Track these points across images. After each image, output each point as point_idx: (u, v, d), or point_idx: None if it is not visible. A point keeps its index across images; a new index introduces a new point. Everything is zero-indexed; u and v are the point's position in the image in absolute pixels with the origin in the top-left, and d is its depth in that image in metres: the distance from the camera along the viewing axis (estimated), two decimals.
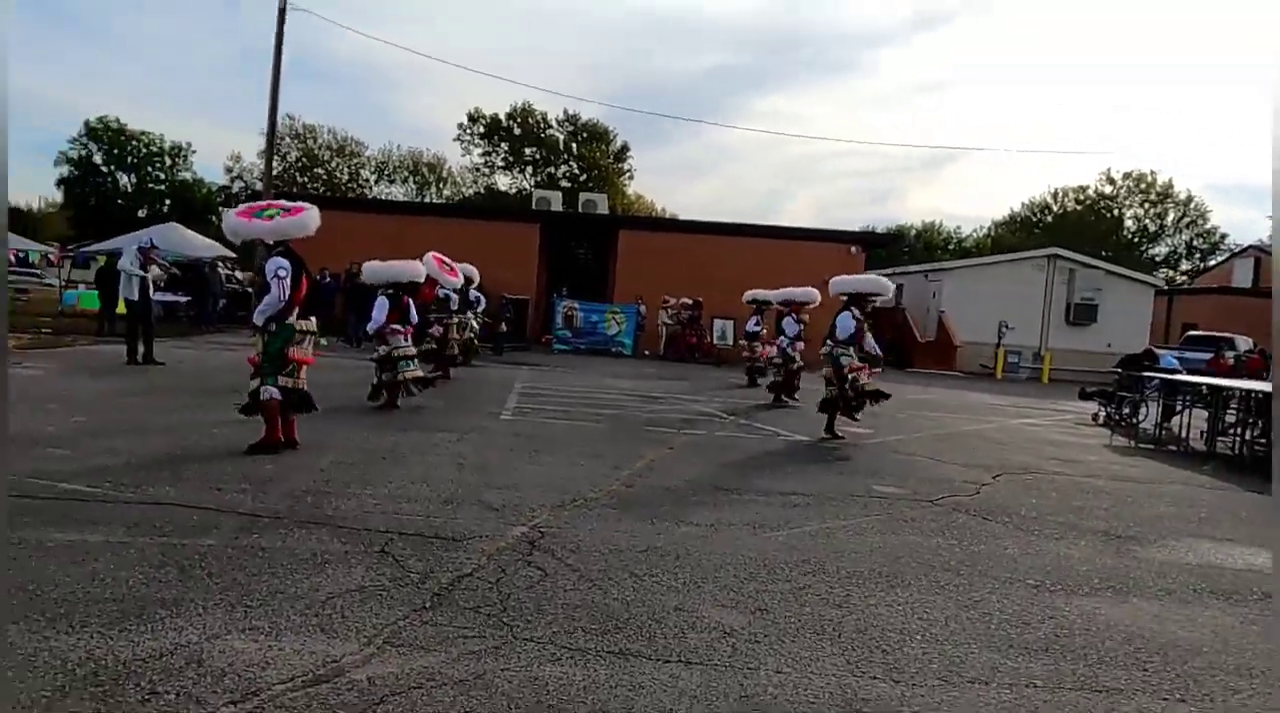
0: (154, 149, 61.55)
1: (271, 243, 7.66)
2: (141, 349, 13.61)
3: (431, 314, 14.06)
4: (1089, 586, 5.28)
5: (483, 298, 17.72)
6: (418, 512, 5.81)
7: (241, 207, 8.14)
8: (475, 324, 17.22)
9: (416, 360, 11.23)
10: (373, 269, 11.48)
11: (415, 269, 11.63)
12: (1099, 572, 5.59)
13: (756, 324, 18.01)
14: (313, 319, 7.85)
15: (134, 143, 60.71)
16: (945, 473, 8.86)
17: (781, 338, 15.23)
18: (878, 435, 11.28)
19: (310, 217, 7.71)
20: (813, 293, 15.38)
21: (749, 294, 18.31)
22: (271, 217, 7.64)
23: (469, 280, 16.48)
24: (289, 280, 7.43)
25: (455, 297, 14.98)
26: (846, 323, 10.72)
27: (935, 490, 7.86)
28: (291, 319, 7.53)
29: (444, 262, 13.52)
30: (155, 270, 14.19)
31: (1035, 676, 3.82)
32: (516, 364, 19.04)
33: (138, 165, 61.42)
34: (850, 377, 10.61)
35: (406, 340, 11.09)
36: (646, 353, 25.13)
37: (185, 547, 4.71)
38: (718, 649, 3.85)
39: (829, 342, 10.86)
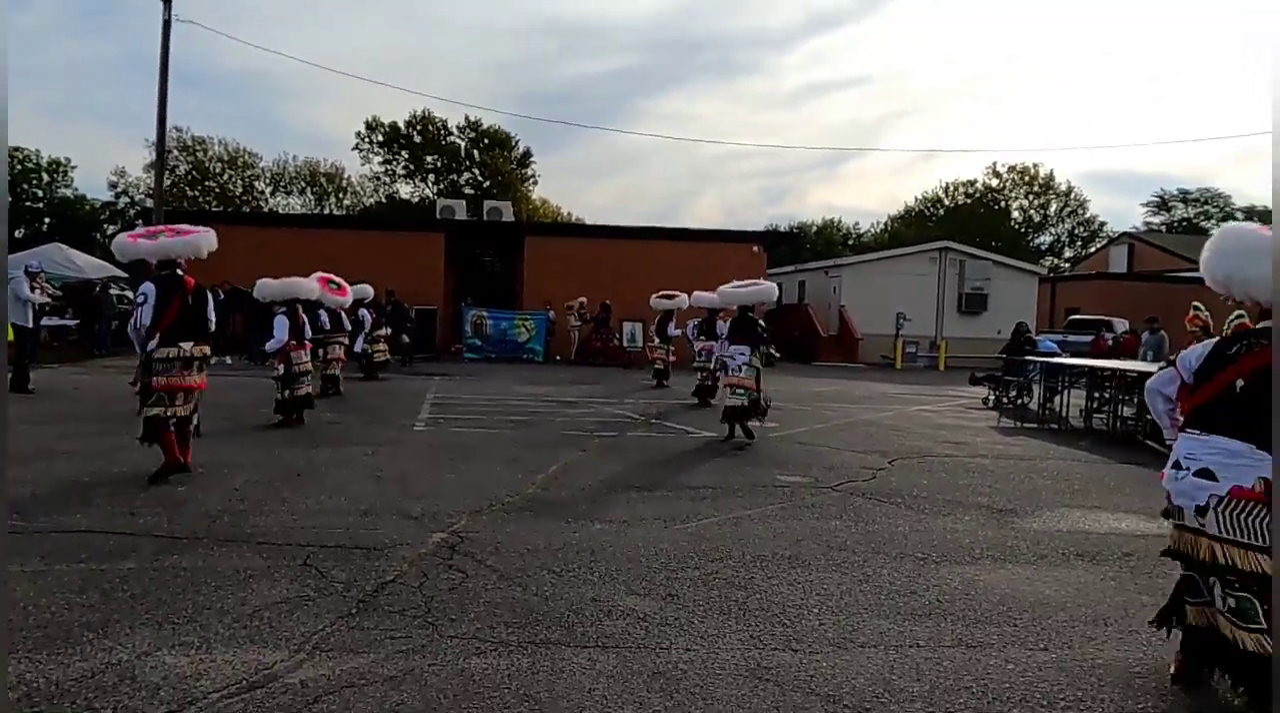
0: (29, 165, 58.66)
1: (155, 263, 7.42)
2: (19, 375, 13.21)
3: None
4: (970, 555, 5.77)
5: (368, 317, 17.40)
6: (337, 525, 5.93)
7: (137, 230, 8.00)
8: (364, 345, 17.06)
9: (311, 377, 11.34)
10: (266, 287, 11.46)
11: (309, 287, 11.85)
12: (980, 543, 6.10)
13: (677, 326, 18.32)
14: (185, 345, 7.28)
15: (8, 159, 57.73)
16: (845, 461, 9.37)
17: (709, 342, 15.21)
18: (782, 429, 11.77)
19: (202, 238, 7.56)
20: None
21: (655, 301, 18.73)
22: (159, 238, 7.51)
23: (359, 301, 16.38)
24: (149, 305, 7.13)
25: (326, 317, 14.14)
26: (762, 332, 10.82)
27: (835, 477, 8.34)
28: (153, 345, 7.14)
29: (329, 281, 13.74)
30: (40, 295, 13.82)
31: (919, 638, 4.23)
32: (427, 375, 19.00)
33: (12, 183, 58.36)
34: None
35: (305, 356, 11.16)
36: (558, 358, 25.30)
37: (105, 571, 4.75)
38: (632, 633, 4.14)
39: (754, 351, 10.69)
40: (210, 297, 7.83)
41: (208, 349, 7.56)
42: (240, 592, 4.51)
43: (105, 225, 56.81)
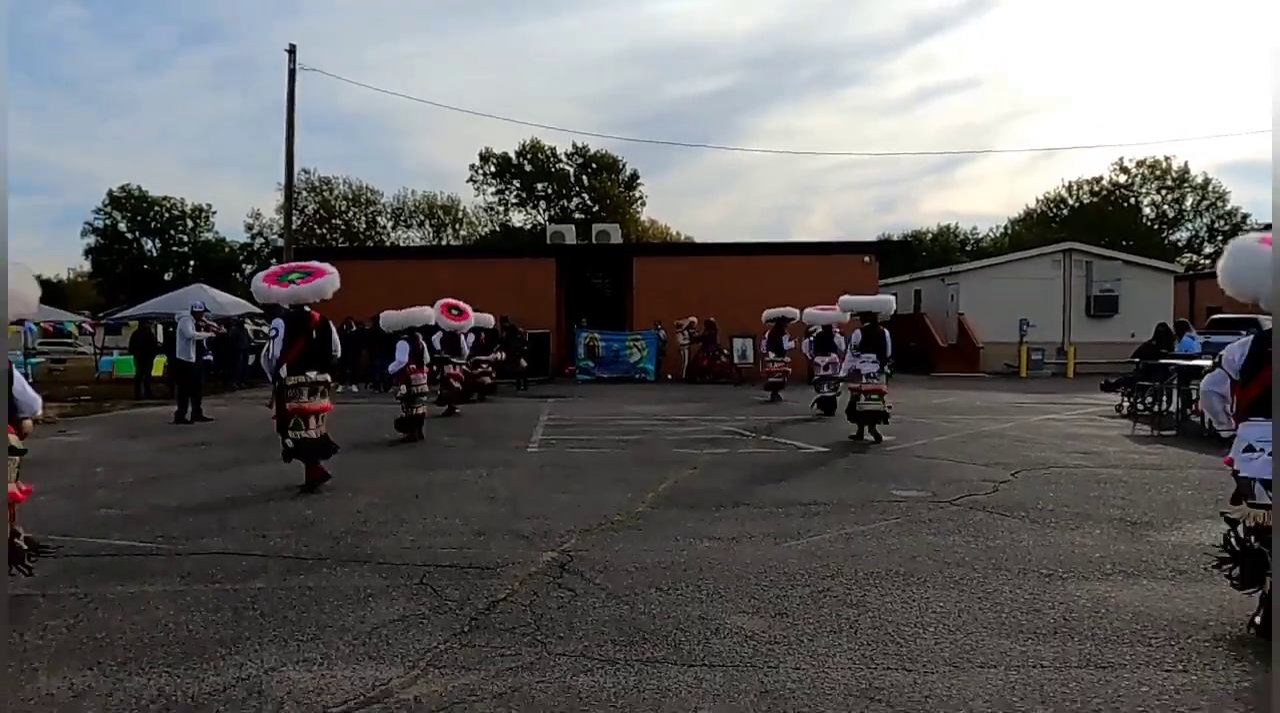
0: (176, 213, 63.17)
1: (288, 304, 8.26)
2: (190, 408, 14.23)
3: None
4: (1100, 571, 5.45)
5: (465, 349, 17.69)
6: (452, 545, 6.10)
7: (270, 270, 8.84)
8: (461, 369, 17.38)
9: (428, 397, 12.39)
10: (389, 318, 12.74)
11: (426, 314, 13.02)
12: (1111, 558, 5.76)
13: (790, 340, 18.34)
14: (310, 373, 8.13)
15: (156, 208, 62.35)
16: (964, 474, 9.02)
17: (830, 355, 15.39)
18: (900, 442, 11.46)
19: (328, 282, 8.31)
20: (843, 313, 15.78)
21: (768, 314, 18.70)
22: (290, 281, 8.27)
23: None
24: (280, 338, 8.02)
25: (438, 340, 15.08)
26: (889, 342, 12.08)
27: (954, 491, 8.04)
28: (284, 374, 8.02)
29: (450, 307, 15.10)
30: (206, 332, 14.96)
31: (1043, 657, 4.02)
32: (541, 397, 19.37)
33: (161, 230, 63.02)
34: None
35: (423, 379, 12.27)
36: (670, 377, 25.37)
37: (237, 591, 5.02)
38: (739, 652, 4.09)
39: (882, 359, 11.97)
40: (333, 329, 8.55)
41: (329, 377, 8.37)
42: (360, 610, 4.69)
43: (243, 264, 60.50)
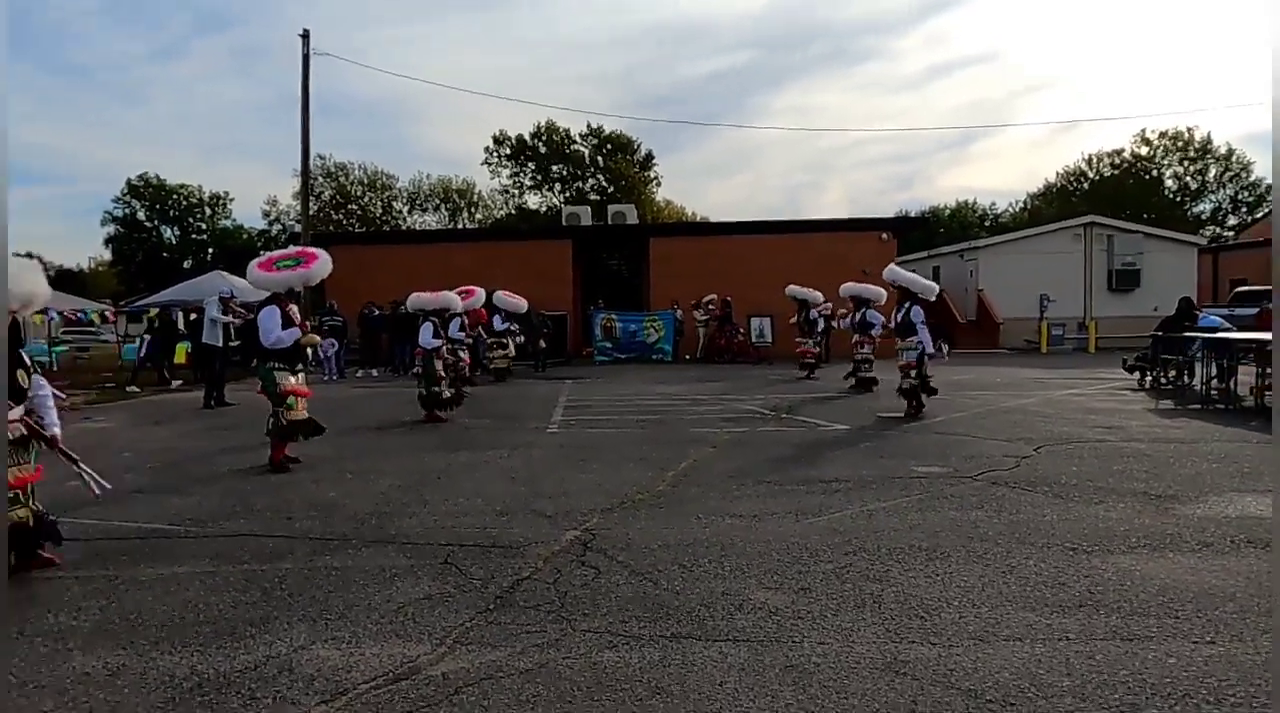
0: (194, 201, 63.53)
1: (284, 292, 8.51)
2: (215, 392, 14.39)
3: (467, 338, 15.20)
4: (1126, 544, 5.42)
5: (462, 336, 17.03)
6: (475, 525, 6.14)
7: (263, 257, 9.03)
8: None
9: (445, 382, 12.31)
10: (416, 299, 12.98)
11: (453, 300, 13.20)
12: (1137, 531, 5.73)
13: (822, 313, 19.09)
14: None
15: (175, 196, 62.73)
16: (986, 449, 8.98)
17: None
18: (920, 418, 11.41)
19: (319, 268, 8.59)
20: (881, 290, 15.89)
21: (792, 291, 18.76)
22: (282, 267, 8.52)
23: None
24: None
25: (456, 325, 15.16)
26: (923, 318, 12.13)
27: (975, 467, 8.01)
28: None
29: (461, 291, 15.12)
30: (234, 317, 15.10)
31: (1069, 630, 4.01)
32: (559, 379, 19.41)
33: (180, 217, 63.42)
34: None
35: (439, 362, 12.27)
36: (687, 357, 25.34)
37: (265, 572, 5.08)
38: (763, 627, 4.10)
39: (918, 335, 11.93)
40: (263, 319, 8.40)
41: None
42: (386, 589, 4.74)
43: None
